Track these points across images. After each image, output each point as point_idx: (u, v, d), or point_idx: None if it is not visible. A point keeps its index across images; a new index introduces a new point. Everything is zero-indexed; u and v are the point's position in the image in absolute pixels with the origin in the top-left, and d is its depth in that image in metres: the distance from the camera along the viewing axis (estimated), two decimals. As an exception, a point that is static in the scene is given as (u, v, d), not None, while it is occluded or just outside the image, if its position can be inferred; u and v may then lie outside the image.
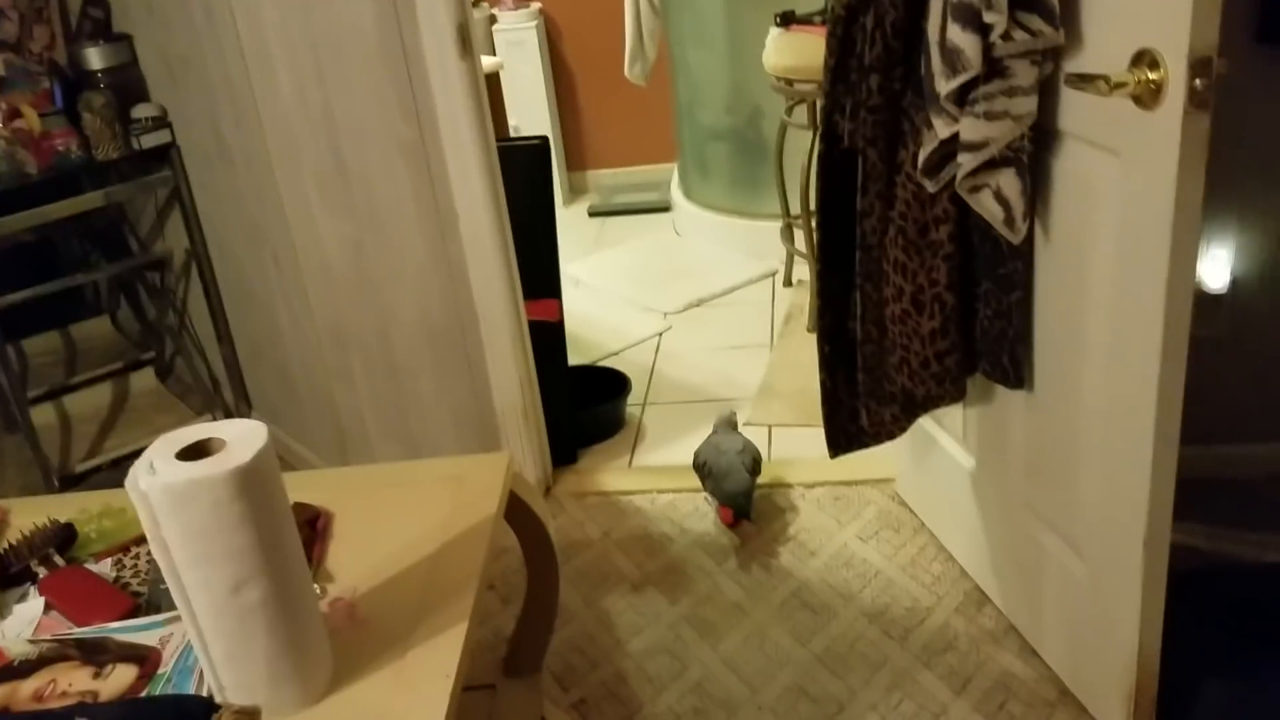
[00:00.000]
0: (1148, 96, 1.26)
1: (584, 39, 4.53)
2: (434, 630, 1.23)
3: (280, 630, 1.09)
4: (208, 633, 1.08)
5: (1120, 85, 1.26)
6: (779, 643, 2.00)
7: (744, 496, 2.27)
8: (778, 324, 3.28)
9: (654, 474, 2.59)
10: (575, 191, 4.79)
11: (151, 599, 1.33)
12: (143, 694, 1.17)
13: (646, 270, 3.82)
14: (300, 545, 1.13)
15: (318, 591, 1.31)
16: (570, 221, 4.49)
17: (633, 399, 2.93)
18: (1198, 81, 1.20)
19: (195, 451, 1.05)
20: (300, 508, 1.46)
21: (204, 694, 1.14)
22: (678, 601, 2.14)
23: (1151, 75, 1.24)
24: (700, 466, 2.36)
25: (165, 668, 1.20)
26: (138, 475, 1.02)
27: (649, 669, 1.98)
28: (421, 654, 1.19)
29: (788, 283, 3.53)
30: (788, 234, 3.43)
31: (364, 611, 1.27)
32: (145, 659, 1.21)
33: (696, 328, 3.36)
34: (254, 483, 1.03)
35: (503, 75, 4.47)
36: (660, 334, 3.34)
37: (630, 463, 2.67)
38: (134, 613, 1.31)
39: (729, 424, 2.43)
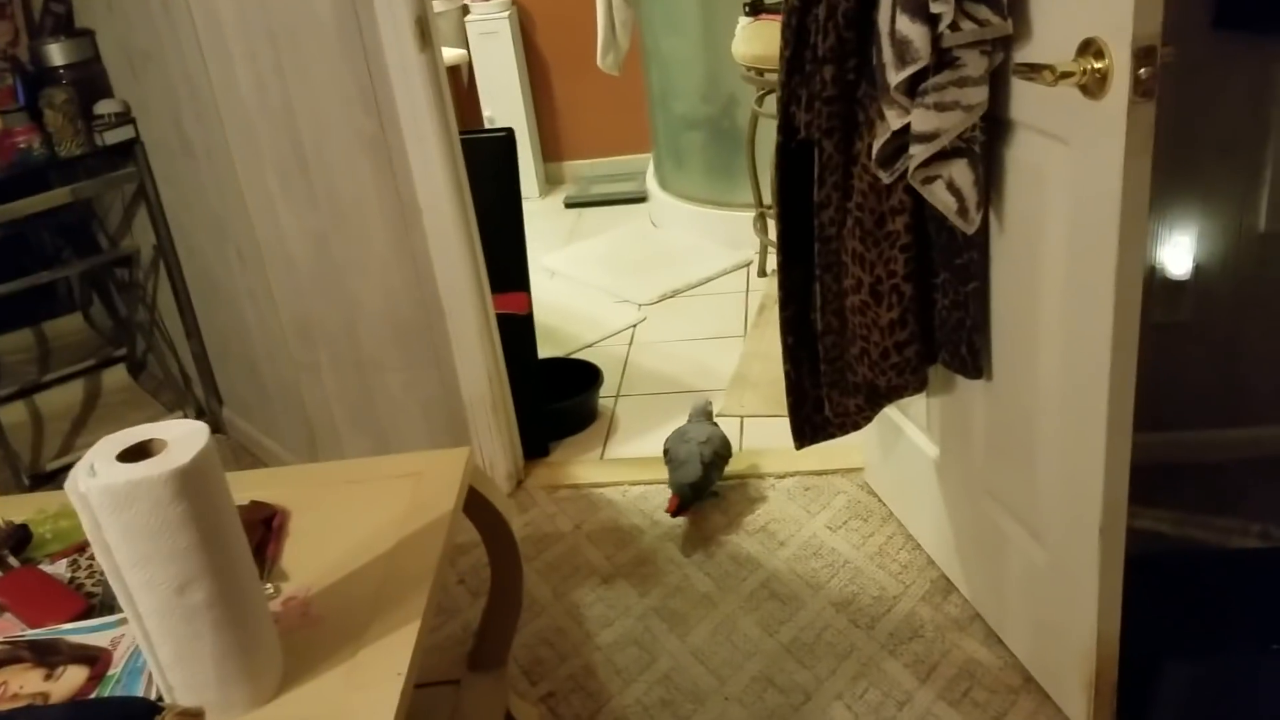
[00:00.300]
0: (1094, 86, 1.26)
1: (558, 29, 4.52)
2: (388, 628, 1.23)
3: (227, 630, 1.09)
4: (154, 634, 1.08)
5: (1066, 75, 1.26)
6: (747, 633, 2.01)
7: (690, 488, 2.27)
8: (751, 314, 3.29)
9: (626, 466, 2.59)
10: (552, 182, 4.77)
11: (105, 599, 1.33)
12: (93, 695, 1.17)
13: (622, 261, 3.82)
14: (247, 544, 1.13)
15: (270, 590, 1.31)
16: (547, 212, 4.48)
17: (606, 390, 2.93)
18: (1142, 71, 1.20)
19: (137, 453, 1.05)
20: (256, 506, 1.45)
21: (154, 695, 1.14)
22: (647, 593, 2.15)
23: (1097, 64, 1.24)
24: (665, 452, 2.37)
25: (116, 669, 1.19)
26: (77, 477, 1.02)
27: (617, 661, 1.98)
28: (374, 652, 1.19)
29: (762, 273, 3.53)
30: (761, 224, 3.43)
31: (318, 610, 1.27)
32: (97, 660, 1.21)
33: (671, 318, 3.36)
34: (195, 483, 1.02)
35: (476, 66, 4.46)
36: (635, 325, 3.34)
37: (602, 455, 2.67)
38: (87, 613, 1.31)
39: (703, 413, 2.44)
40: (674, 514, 2.31)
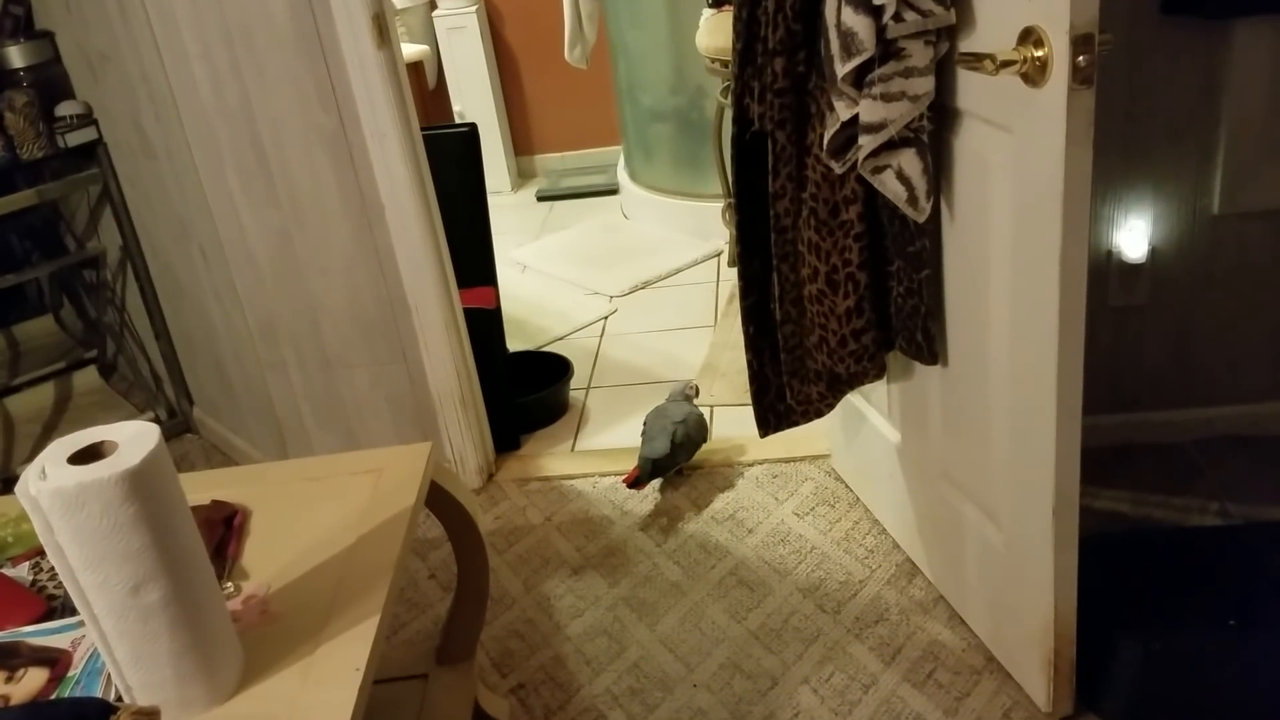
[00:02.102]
0: (1034, 74, 1.28)
1: (526, 23, 4.51)
2: (347, 624, 1.24)
3: (184, 629, 1.10)
4: (110, 634, 1.09)
5: (1008, 64, 1.28)
6: (715, 620, 2.03)
7: (651, 463, 2.34)
8: (721, 304, 3.30)
9: (596, 457, 2.60)
10: (524, 176, 4.77)
11: (67, 601, 1.33)
12: (53, 696, 1.17)
13: (593, 253, 3.83)
14: (201, 543, 1.13)
15: (230, 588, 1.31)
16: (518, 206, 4.49)
17: (577, 382, 2.94)
18: (1080, 58, 1.22)
19: (88, 455, 1.06)
20: (217, 505, 1.46)
21: (113, 695, 1.15)
22: (617, 583, 2.16)
23: (1037, 53, 1.26)
24: (644, 426, 2.44)
25: (75, 670, 1.20)
26: (28, 480, 1.02)
27: (587, 651, 2.00)
28: (333, 648, 1.20)
29: (732, 263, 3.53)
30: (730, 214, 3.44)
31: (277, 607, 1.28)
32: (57, 661, 1.22)
33: (642, 310, 3.38)
34: (145, 484, 1.03)
35: (445, 62, 4.46)
36: (606, 317, 3.35)
37: (573, 447, 2.68)
38: (48, 615, 1.31)
39: (683, 395, 2.47)
40: (629, 485, 2.38)
